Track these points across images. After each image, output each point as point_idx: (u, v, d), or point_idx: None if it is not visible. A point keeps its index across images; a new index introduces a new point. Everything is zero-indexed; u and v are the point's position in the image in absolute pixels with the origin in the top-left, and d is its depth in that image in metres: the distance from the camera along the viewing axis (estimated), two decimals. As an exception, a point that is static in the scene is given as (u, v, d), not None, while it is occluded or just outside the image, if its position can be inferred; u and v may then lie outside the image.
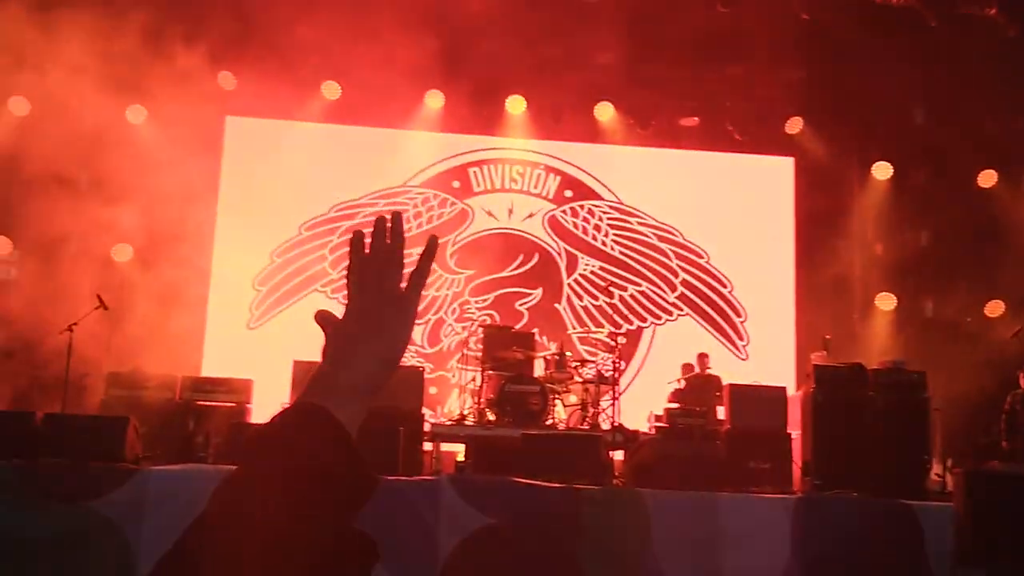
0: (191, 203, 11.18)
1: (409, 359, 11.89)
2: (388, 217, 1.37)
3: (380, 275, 1.33)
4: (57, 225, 10.70)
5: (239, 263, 11.85)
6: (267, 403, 9.37)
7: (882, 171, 12.55)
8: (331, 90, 11.88)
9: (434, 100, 12.14)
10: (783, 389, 9.57)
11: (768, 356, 12.27)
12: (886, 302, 12.34)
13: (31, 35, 9.79)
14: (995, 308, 11.61)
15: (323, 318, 1.36)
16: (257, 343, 11.69)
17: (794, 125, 12.48)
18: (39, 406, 8.37)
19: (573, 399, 9.90)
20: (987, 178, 12.29)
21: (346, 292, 1.42)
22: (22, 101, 11.13)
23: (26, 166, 10.60)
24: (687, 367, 10.66)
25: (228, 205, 12.00)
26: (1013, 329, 9.65)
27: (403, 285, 1.39)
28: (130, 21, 10.11)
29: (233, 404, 9.42)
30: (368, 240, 1.36)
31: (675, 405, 10.10)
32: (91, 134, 11.33)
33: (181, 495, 6.52)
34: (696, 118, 12.63)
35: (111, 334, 9.67)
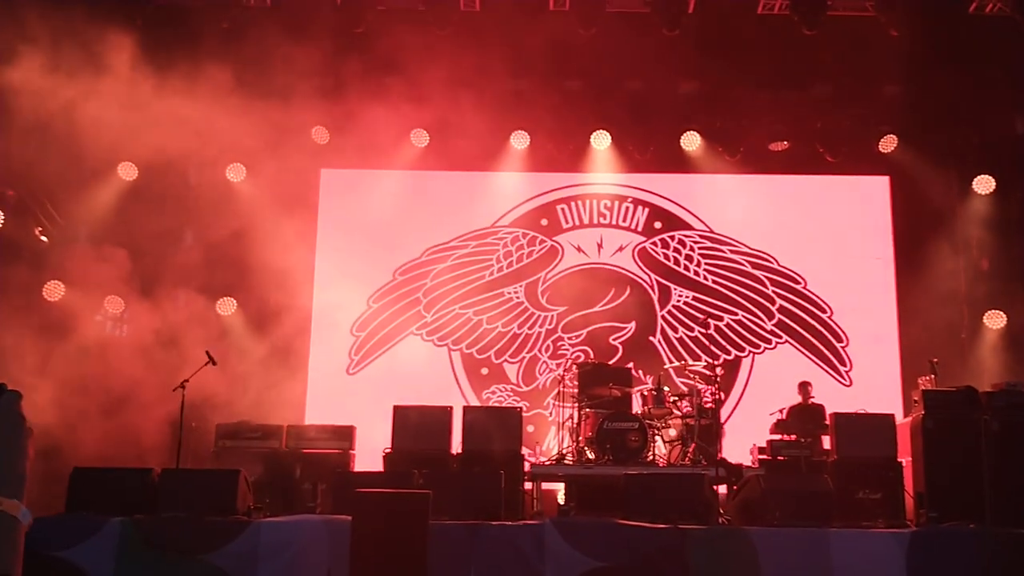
0: (290, 254, 11.55)
1: (506, 398, 11.98)
2: None
3: None
4: (165, 282, 11.19)
5: (338, 310, 12.14)
6: (370, 448, 9.55)
7: (983, 185, 12.13)
8: (419, 138, 12.14)
9: (519, 140, 12.28)
10: (891, 416, 9.30)
11: (873, 382, 11.92)
12: (995, 320, 11.87)
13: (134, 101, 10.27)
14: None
15: None
16: (357, 389, 11.92)
17: (888, 143, 12.18)
18: (155, 461, 8.67)
19: (673, 433, 9.79)
20: (1095, 185, 11.78)
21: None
22: (130, 167, 11.63)
23: (134, 227, 11.11)
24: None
25: (326, 254, 12.34)
26: None
27: None
28: (224, 82, 10.51)
29: (338, 451, 9.62)
30: None
31: (778, 437, 9.91)
32: (194, 194, 11.88)
33: (291, 546, 6.69)
34: (786, 142, 12.44)
35: (219, 386, 9.98)
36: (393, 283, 12.41)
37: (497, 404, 11.84)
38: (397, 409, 9.18)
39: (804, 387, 10.44)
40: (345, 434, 9.73)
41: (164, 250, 11.62)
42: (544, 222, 12.73)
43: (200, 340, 9.97)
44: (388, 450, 9.02)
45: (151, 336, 10.57)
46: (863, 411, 9.37)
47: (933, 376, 9.82)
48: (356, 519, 6.03)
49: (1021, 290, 12.19)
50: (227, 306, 11.72)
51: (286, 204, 11.71)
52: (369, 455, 9.55)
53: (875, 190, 12.61)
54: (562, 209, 12.78)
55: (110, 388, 10.03)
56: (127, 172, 11.66)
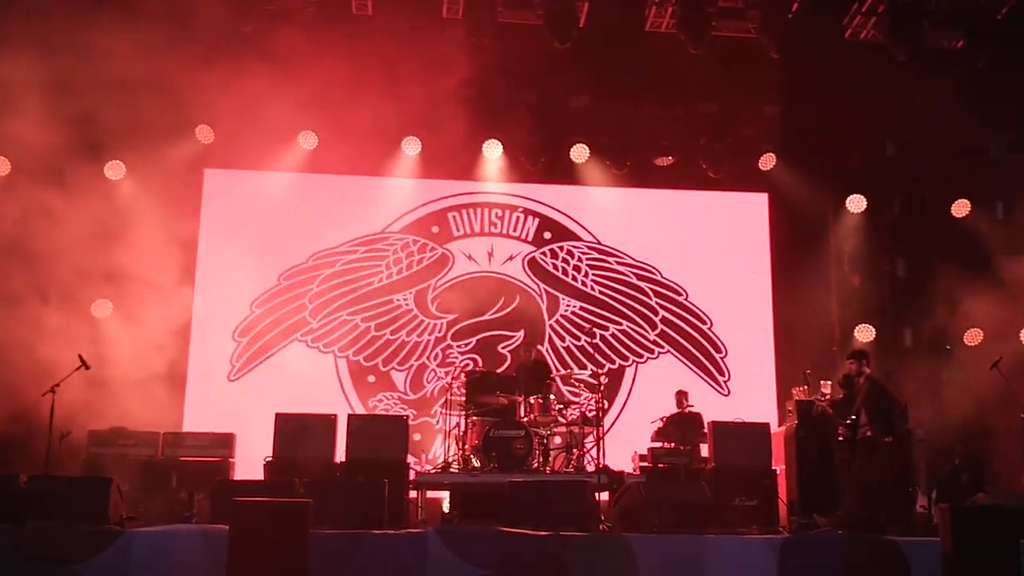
0: (171, 256, 11.20)
1: (393, 406, 11.90)
2: None
3: None
4: (35, 283, 10.69)
5: (219, 314, 11.84)
6: (251, 457, 9.34)
7: (856, 204, 12.69)
8: (308, 140, 11.94)
9: (410, 146, 12.22)
10: (766, 425, 9.64)
11: (750, 392, 12.32)
12: (865, 334, 12.42)
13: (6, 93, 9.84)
14: (974, 337, 11.71)
15: None
16: (239, 395, 11.63)
17: (767, 161, 12.62)
18: (22, 468, 8.29)
19: (558, 441, 9.89)
20: (961, 207, 12.45)
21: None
22: (2, 161, 11.11)
23: (4, 226, 10.60)
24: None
25: (208, 257, 12.00)
26: (993, 359, 9.71)
27: None
28: (106, 76, 10.16)
29: (217, 459, 9.39)
30: None
31: (658, 444, 10.13)
32: (70, 191, 11.40)
33: (166, 556, 6.50)
34: (671, 157, 12.77)
35: (91, 391, 9.61)
36: (278, 288, 12.17)
37: (383, 412, 11.74)
38: (279, 416, 9.03)
39: (680, 396, 10.70)
40: (225, 442, 9.53)
41: (37, 249, 11.10)
42: (435, 229, 12.70)
43: (73, 343, 9.58)
44: (269, 458, 8.85)
45: (21, 338, 10.08)
46: (740, 420, 9.68)
47: (806, 387, 10.23)
48: (234, 528, 5.89)
49: (890, 305, 12.80)
50: (102, 308, 11.26)
51: (167, 204, 11.36)
52: (250, 463, 9.34)
53: (754, 206, 13.06)
54: (453, 217, 12.78)
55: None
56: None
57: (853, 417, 9.11)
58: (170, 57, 10.37)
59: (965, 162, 12.50)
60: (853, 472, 9.06)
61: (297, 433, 8.90)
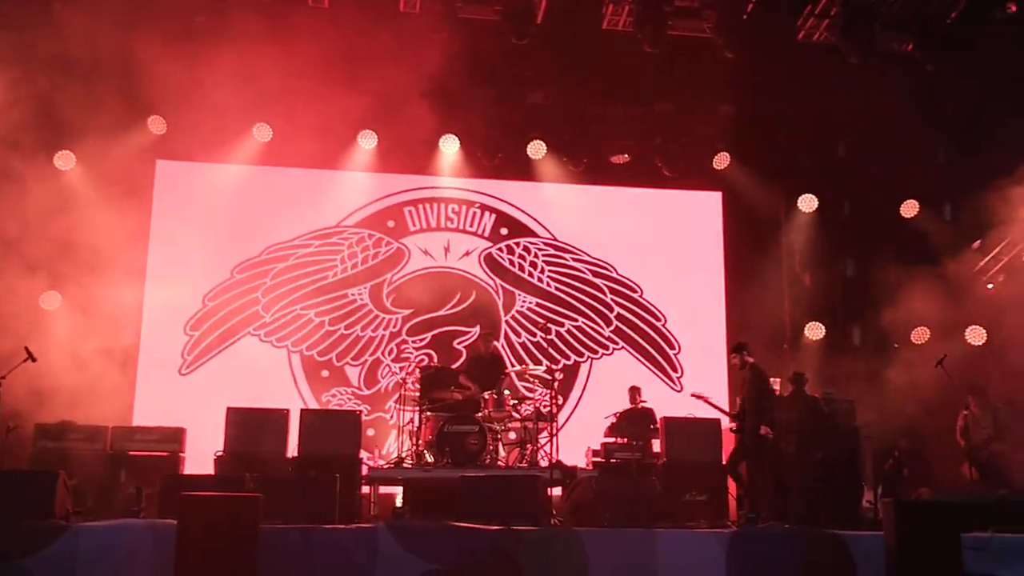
0: (120, 248, 11.04)
1: (346, 401, 11.85)
2: None
3: None
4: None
5: (170, 308, 11.69)
6: (202, 452, 9.25)
7: (807, 203, 12.87)
8: (263, 132, 11.82)
9: (367, 140, 12.15)
10: (718, 421, 9.73)
11: (702, 388, 12.30)
12: (815, 331, 12.62)
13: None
14: (921, 335, 11.94)
15: None
16: (190, 390, 11.50)
17: (721, 160, 12.75)
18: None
19: (512, 436, 9.92)
20: (909, 208, 12.66)
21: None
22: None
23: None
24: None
25: (159, 249, 11.86)
26: (938, 356, 9.91)
27: None
28: (57, 65, 9.99)
29: (166, 453, 9.29)
30: None
31: (611, 440, 10.20)
32: (17, 180, 11.18)
33: (113, 551, 6.42)
34: (626, 155, 12.83)
35: (39, 385, 9.44)
36: (231, 281, 12.06)
37: (337, 407, 11.68)
38: (231, 411, 8.96)
39: (633, 392, 10.78)
40: (175, 436, 9.41)
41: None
42: (391, 224, 12.66)
43: (20, 336, 9.40)
44: (220, 453, 8.78)
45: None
46: (692, 416, 9.78)
47: (757, 384, 10.34)
48: (182, 523, 5.84)
49: (839, 304, 13.00)
50: (51, 300, 11.06)
51: (118, 195, 11.19)
52: (201, 458, 9.25)
53: (708, 205, 13.20)
54: (409, 211, 12.75)
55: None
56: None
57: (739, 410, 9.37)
58: (123, 46, 10.22)
59: (914, 164, 12.71)
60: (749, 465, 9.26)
61: (249, 428, 8.83)
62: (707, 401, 9.73)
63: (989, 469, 9.60)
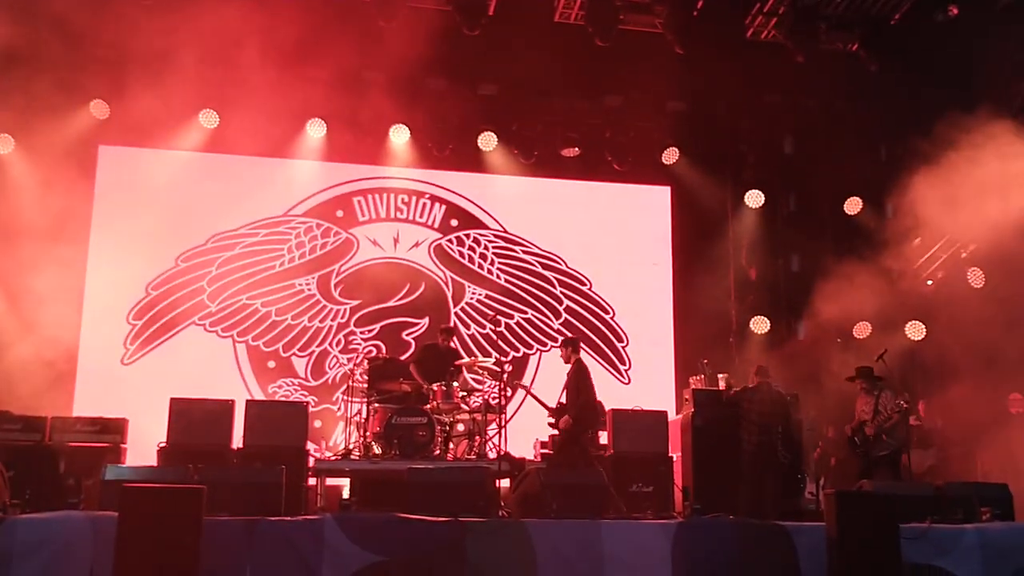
0: (61, 235, 10.80)
1: (293, 392, 11.74)
2: None
3: None
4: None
5: (112, 297, 11.46)
6: (143, 442, 9.09)
7: (754, 199, 13.03)
8: (209, 118, 11.62)
9: (316, 129, 12.02)
10: (664, 413, 9.83)
11: (650, 380, 12.57)
12: (760, 325, 12.79)
13: None
14: (863, 330, 12.16)
15: None
16: (132, 380, 11.29)
17: (670, 155, 12.85)
18: None
19: (461, 428, 9.90)
20: (853, 205, 12.88)
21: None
22: None
23: None
24: None
25: (101, 237, 11.61)
26: (879, 351, 10.11)
27: None
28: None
29: (108, 445, 9.12)
30: None
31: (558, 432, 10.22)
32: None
33: (50, 543, 6.26)
34: (577, 148, 12.87)
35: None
36: (175, 270, 11.86)
37: (284, 399, 11.57)
38: (174, 402, 8.82)
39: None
40: (116, 427, 9.24)
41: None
42: (340, 213, 12.56)
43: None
44: (163, 444, 8.64)
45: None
46: (639, 408, 9.86)
47: (703, 376, 10.48)
48: (123, 515, 5.72)
49: (783, 298, 13.19)
50: (-12, 288, 10.79)
51: (58, 181, 10.92)
52: (144, 450, 9.09)
53: (657, 199, 13.30)
54: (359, 201, 12.65)
55: None
56: None
57: (562, 402, 9.41)
58: (64, 28, 9.97)
59: (857, 161, 12.94)
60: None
61: (193, 419, 8.71)
62: (530, 393, 9.76)
63: (862, 451, 9.79)
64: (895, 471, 9.62)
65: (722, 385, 10.31)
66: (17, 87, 10.10)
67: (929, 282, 12.36)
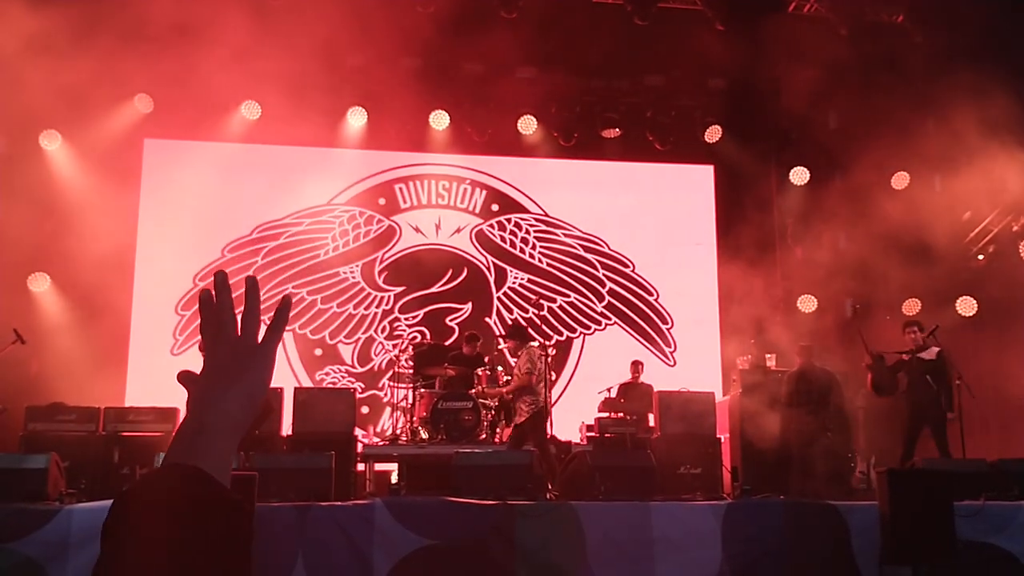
0: (109, 229, 10.96)
1: (340, 379, 11.83)
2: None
3: (225, 327, 1.33)
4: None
5: (161, 288, 11.64)
6: (195, 431, 9.20)
7: (799, 176, 12.85)
8: (251, 110, 11.73)
9: (356, 117, 12.07)
10: (711, 394, 9.75)
11: (696, 362, 12.48)
12: (807, 304, 12.63)
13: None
14: (912, 306, 11.96)
15: (185, 378, 1.36)
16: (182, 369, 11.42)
17: (713, 134, 12.71)
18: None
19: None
20: (900, 179, 12.65)
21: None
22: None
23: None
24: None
25: (148, 229, 11.79)
26: (929, 327, 9.94)
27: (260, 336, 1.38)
28: (41, 43, 9.85)
29: (159, 433, 9.25)
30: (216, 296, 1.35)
31: (606, 414, 10.21)
32: (2, 161, 11.08)
33: (107, 531, 6.37)
34: (618, 129, 12.78)
35: (30, 367, 9.40)
36: (221, 260, 12.00)
37: (331, 385, 11.67)
38: (224, 390, 8.90)
39: (635, 366, 10.80)
40: (168, 416, 9.37)
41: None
42: (382, 201, 12.61)
43: (9, 318, 9.35)
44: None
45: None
46: (685, 390, 9.80)
47: (750, 357, 10.38)
48: (177, 503, 5.81)
49: (830, 276, 12.99)
50: (39, 282, 11.00)
51: (106, 175, 11.10)
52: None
53: (700, 178, 13.17)
54: (400, 189, 12.69)
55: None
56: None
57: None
58: (108, 23, 10.09)
59: (905, 135, 12.68)
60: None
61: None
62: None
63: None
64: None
65: (770, 365, 10.21)
66: (62, 83, 10.24)
67: (980, 256, 12.11)
